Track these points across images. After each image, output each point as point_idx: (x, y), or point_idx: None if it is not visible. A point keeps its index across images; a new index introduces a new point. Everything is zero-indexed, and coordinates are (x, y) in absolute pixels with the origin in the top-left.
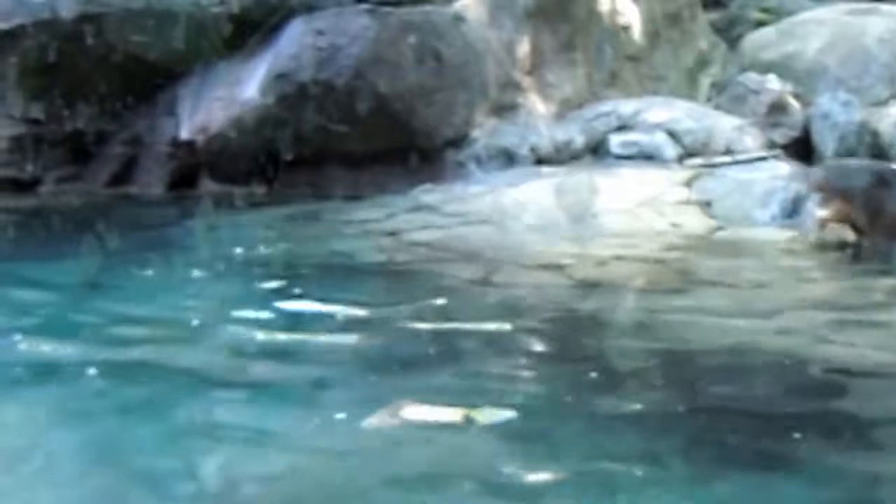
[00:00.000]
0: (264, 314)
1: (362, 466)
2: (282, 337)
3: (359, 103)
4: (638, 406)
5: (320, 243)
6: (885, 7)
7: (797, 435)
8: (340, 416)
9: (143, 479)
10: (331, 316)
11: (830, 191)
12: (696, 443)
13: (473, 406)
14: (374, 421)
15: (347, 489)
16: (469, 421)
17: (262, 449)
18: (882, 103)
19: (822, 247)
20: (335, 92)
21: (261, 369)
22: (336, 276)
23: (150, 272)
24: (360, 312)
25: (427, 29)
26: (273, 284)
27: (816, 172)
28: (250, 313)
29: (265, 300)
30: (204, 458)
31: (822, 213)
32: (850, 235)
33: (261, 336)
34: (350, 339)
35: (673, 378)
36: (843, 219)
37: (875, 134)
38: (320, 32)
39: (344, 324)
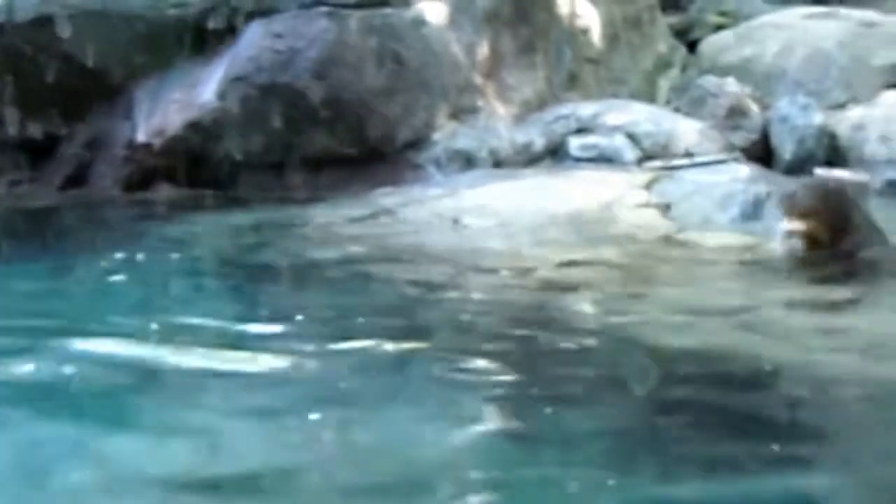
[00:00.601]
0: (214, 320)
1: None
2: (231, 342)
3: (318, 106)
4: (597, 406)
5: (277, 246)
6: (843, 11)
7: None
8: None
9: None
10: (283, 322)
11: (799, 211)
12: (655, 445)
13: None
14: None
15: None
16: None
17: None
18: (840, 107)
19: (781, 252)
20: (293, 95)
21: (204, 375)
22: (292, 279)
23: (95, 277)
24: (318, 317)
25: (386, 31)
26: (227, 289)
27: (788, 193)
28: (199, 319)
29: (217, 305)
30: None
31: (789, 226)
32: (812, 245)
33: (209, 342)
34: (305, 345)
35: (632, 380)
36: (809, 233)
37: (833, 137)
38: (279, 35)
39: (298, 330)
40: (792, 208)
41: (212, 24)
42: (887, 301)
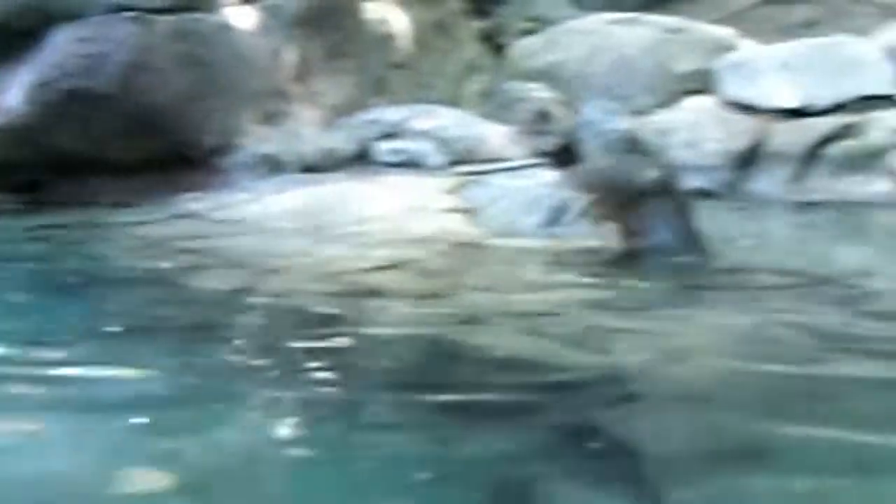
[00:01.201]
0: (5, 326)
1: None
2: (19, 349)
3: (125, 111)
4: (390, 409)
5: (81, 252)
6: (647, 17)
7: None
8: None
9: None
10: (78, 329)
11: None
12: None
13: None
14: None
15: None
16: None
17: None
18: (645, 112)
19: (585, 252)
20: (100, 99)
21: None
22: (94, 285)
23: None
24: (114, 324)
25: (193, 36)
26: (24, 295)
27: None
28: None
29: (9, 311)
30: None
31: (593, 215)
32: (616, 239)
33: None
34: (96, 352)
35: (429, 384)
36: (608, 218)
37: (638, 142)
38: (85, 40)
39: (92, 337)
40: (582, 186)
41: (16, 28)
42: (684, 300)
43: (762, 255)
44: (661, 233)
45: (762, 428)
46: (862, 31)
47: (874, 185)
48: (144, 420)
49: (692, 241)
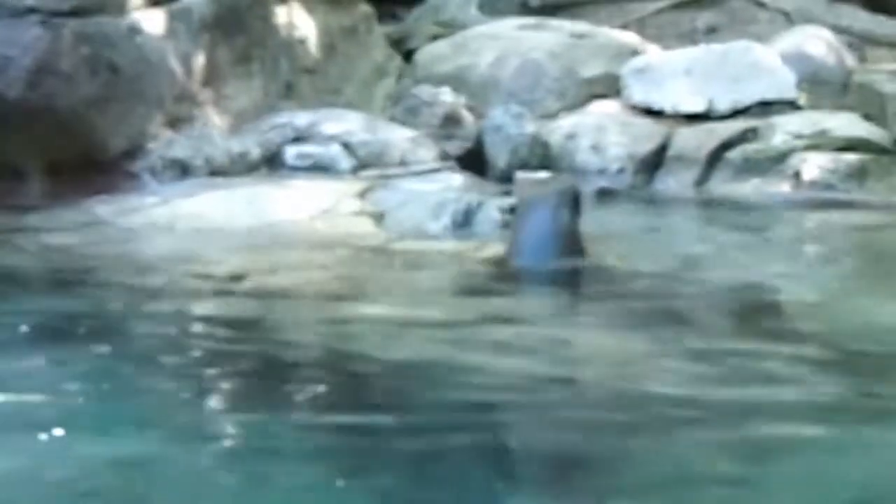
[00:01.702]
0: None
1: None
2: None
3: (31, 114)
4: (297, 411)
5: None
6: (555, 22)
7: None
8: None
9: None
10: None
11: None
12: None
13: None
14: None
15: None
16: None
17: None
18: (552, 116)
19: (485, 259)
20: (7, 103)
21: None
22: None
23: None
24: (24, 327)
25: (101, 40)
26: None
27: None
28: None
29: None
30: None
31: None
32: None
33: None
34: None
35: (339, 386)
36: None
37: (546, 146)
38: None
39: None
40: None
41: None
42: (578, 311)
43: (643, 258)
44: (539, 239)
45: None
46: (764, 37)
47: (777, 187)
48: None
49: (573, 247)
